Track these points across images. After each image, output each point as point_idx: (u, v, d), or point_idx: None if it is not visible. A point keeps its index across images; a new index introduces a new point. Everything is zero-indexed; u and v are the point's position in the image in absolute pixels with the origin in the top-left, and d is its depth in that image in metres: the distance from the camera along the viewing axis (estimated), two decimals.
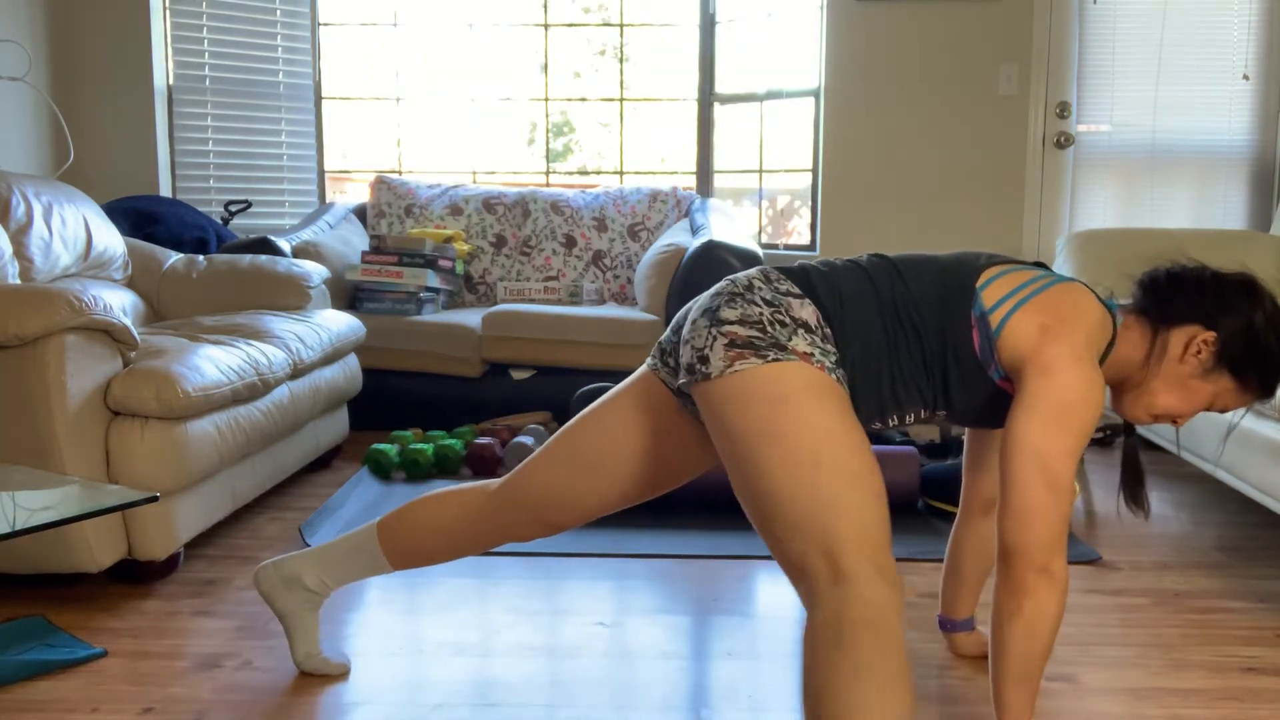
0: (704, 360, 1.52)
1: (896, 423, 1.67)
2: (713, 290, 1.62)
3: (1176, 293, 1.65)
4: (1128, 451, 1.77)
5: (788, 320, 1.52)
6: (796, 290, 1.57)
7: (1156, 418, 1.69)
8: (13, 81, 4.17)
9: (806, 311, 1.55)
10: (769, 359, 1.48)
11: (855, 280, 1.61)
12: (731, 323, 1.52)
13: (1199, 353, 1.62)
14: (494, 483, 1.84)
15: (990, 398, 1.62)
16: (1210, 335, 1.61)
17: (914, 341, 1.59)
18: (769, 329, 1.51)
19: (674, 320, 1.76)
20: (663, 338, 1.75)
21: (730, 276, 1.63)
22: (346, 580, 1.88)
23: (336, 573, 1.87)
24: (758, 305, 1.53)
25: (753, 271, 1.62)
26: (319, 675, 1.90)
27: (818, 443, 1.42)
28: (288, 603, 1.88)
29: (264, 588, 1.89)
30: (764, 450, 1.44)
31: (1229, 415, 2.52)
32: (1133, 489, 1.76)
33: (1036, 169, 4.35)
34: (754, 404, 1.47)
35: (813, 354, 1.50)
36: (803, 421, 1.44)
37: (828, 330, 1.55)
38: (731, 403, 1.49)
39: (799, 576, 1.42)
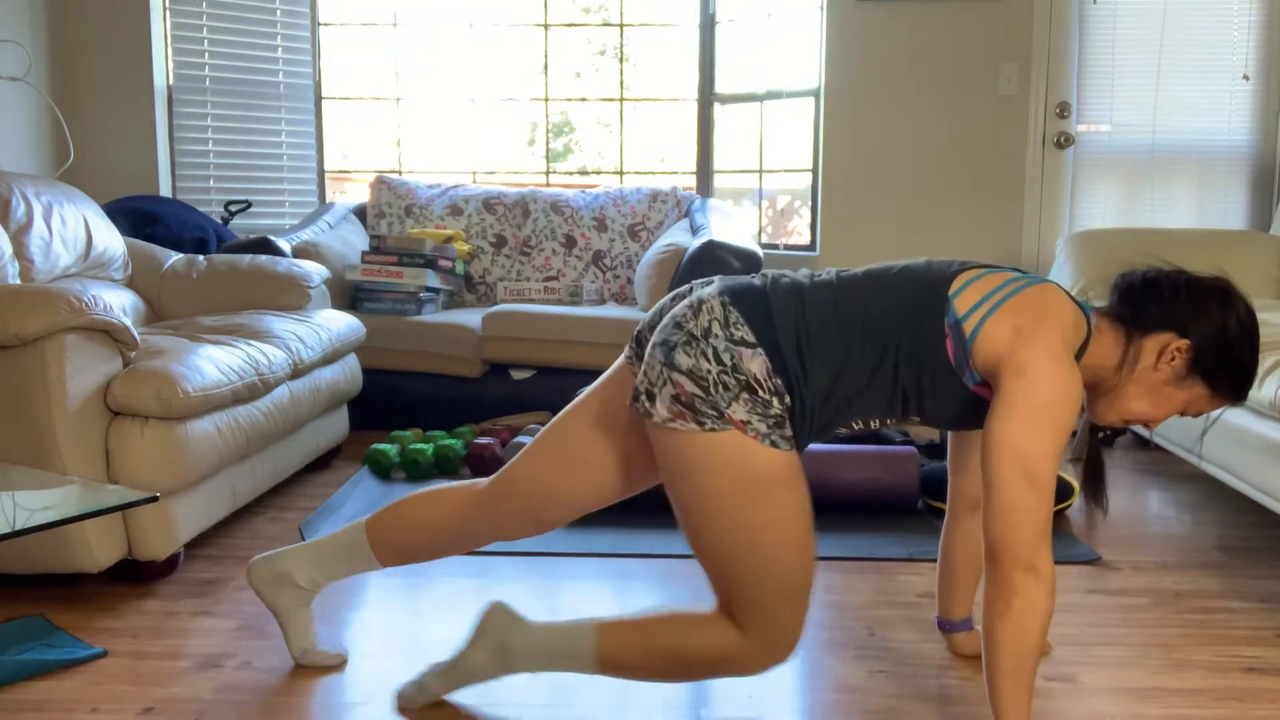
0: (650, 398, 1.61)
1: (860, 427, 1.70)
2: (675, 316, 1.65)
3: (1151, 299, 1.66)
4: (1092, 450, 1.78)
5: (732, 382, 1.57)
6: (750, 339, 1.59)
7: (1128, 422, 1.70)
8: (13, 81, 4.17)
9: (755, 365, 1.58)
10: (705, 427, 1.57)
11: (820, 307, 1.63)
12: (682, 372, 1.59)
13: (1173, 360, 1.63)
14: (483, 481, 1.86)
15: (964, 403, 1.64)
16: (1184, 343, 1.62)
17: (886, 358, 1.61)
18: (712, 391, 1.57)
19: (650, 312, 1.78)
20: (639, 327, 1.78)
21: (694, 301, 1.65)
22: (337, 577, 1.89)
23: (326, 570, 1.88)
24: (709, 360, 1.58)
25: (715, 305, 1.62)
26: (317, 668, 1.91)
27: (739, 526, 1.59)
28: (280, 600, 1.90)
29: (256, 583, 1.90)
30: (697, 523, 1.63)
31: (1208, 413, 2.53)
32: (1094, 486, 1.78)
33: (1036, 169, 4.35)
34: (683, 473, 1.62)
35: (749, 422, 1.58)
36: (725, 506, 1.59)
37: (776, 382, 1.58)
38: (670, 462, 1.63)
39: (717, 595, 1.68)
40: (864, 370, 1.60)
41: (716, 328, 1.60)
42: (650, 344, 1.66)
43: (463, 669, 1.73)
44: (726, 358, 1.58)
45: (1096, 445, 1.78)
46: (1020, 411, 1.51)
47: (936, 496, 2.90)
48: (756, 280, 1.68)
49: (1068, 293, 1.66)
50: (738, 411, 1.57)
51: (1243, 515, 2.90)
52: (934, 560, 2.50)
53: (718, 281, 1.70)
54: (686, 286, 1.76)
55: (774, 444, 1.59)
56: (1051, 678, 1.89)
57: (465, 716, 1.74)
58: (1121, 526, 2.79)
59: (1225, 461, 2.58)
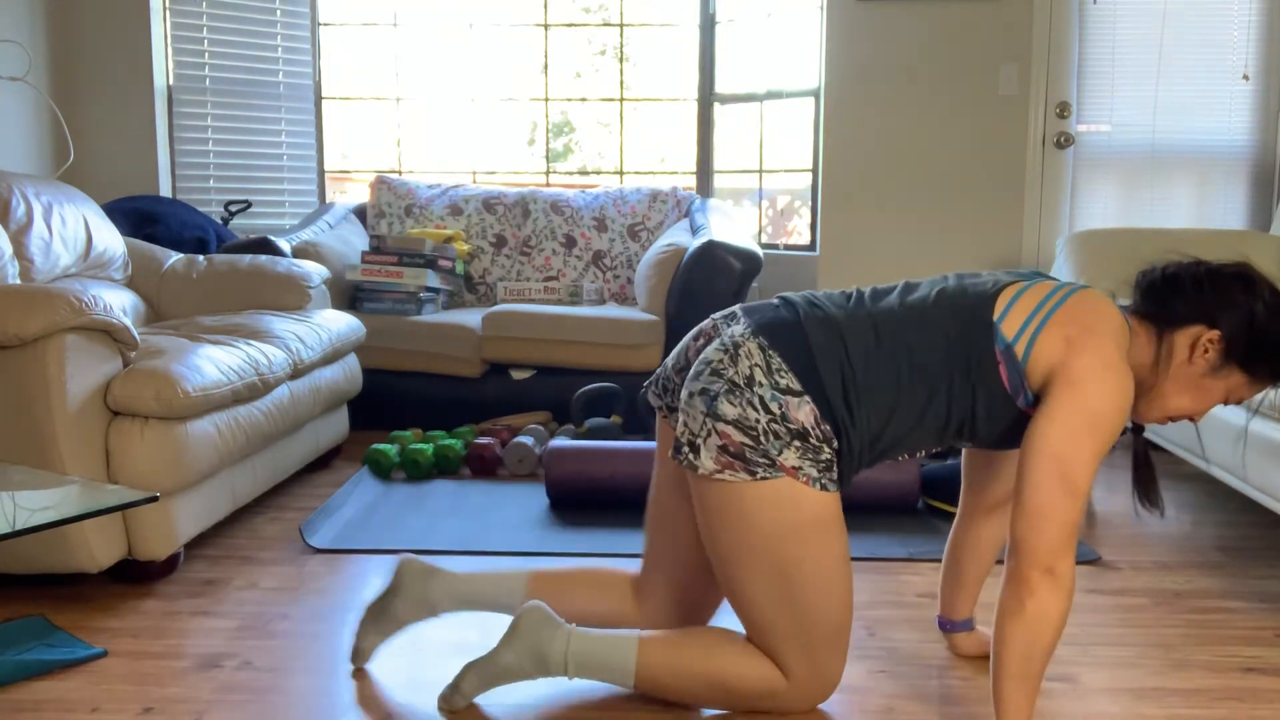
0: (694, 449, 1.60)
1: (908, 457, 1.69)
2: (711, 363, 1.63)
3: (1175, 294, 1.64)
4: (1138, 450, 1.76)
5: (782, 431, 1.57)
6: (796, 386, 1.58)
7: (1172, 418, 1.69)
8: (13, 81, 4.17)
9: (803, 413, 1.57)
10: (757, 476, 1.57)
11: (863, 347, 1.61)
12: (728, 421, 1.58)
13: (1206, 352, 1.61)
14: (635, 581, 1.87)
15: (1014, 424, 1.63)
16: (1215, 334, 1.60)
17: (937, 392, 1.60)
18: (761, 440, 1.57)
19: (673, 354, 1.78)
20: (660, 372, 1.79)
21: (728, 344, 1.63)
22: (471, 609, 1.88)
23: (466, 606, 1.86)
24: (756, 410, 1.57)
25: (754, 349, 1.61)
26: (355, 664, 1.90)
27: (787, 571, 1.60)
28: (408, 615, 1.86)
29: (406, 593, 1.86)
30: (741, 571, 1.63)
31: (1240, 421, 2.52)
32: (1146, 487, 1.76)
33: (1036, 169, 4.35)
34: (731, 522, 1.61)
35: (800, 467, 1.57)
36: (773, 551, 1.60)
37: (825, 428, 1.58)
38: (714, 509, 1.63)
39: (762, 645, 1.69)
40: (914, 410, 1.60)
41: (760, 375, 1.59)
42: (686, 392, 1.64)
43: (494, 670, 1.71)
44: (775, 407, 1.57)
45: (1143, 446, 1.76)
46: (1068, 418, 1.50)
47: (936, 496, 2.90)
48: (786, 313, 1.65)
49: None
50: (789, 458, 1.57)
51: (1243, 515, 2.90)
52: (934, 560, 2.50)
53: (743, 318, 1.67)
54: (709, 322, 1.74)
55: (824, 487, 1.59)
56: (1051, 678, 1.89)
57: (464, 717, 1.74)
58: (1121, 526, 2.79)
59: (1225, 461, 2.58)
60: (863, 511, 2.89)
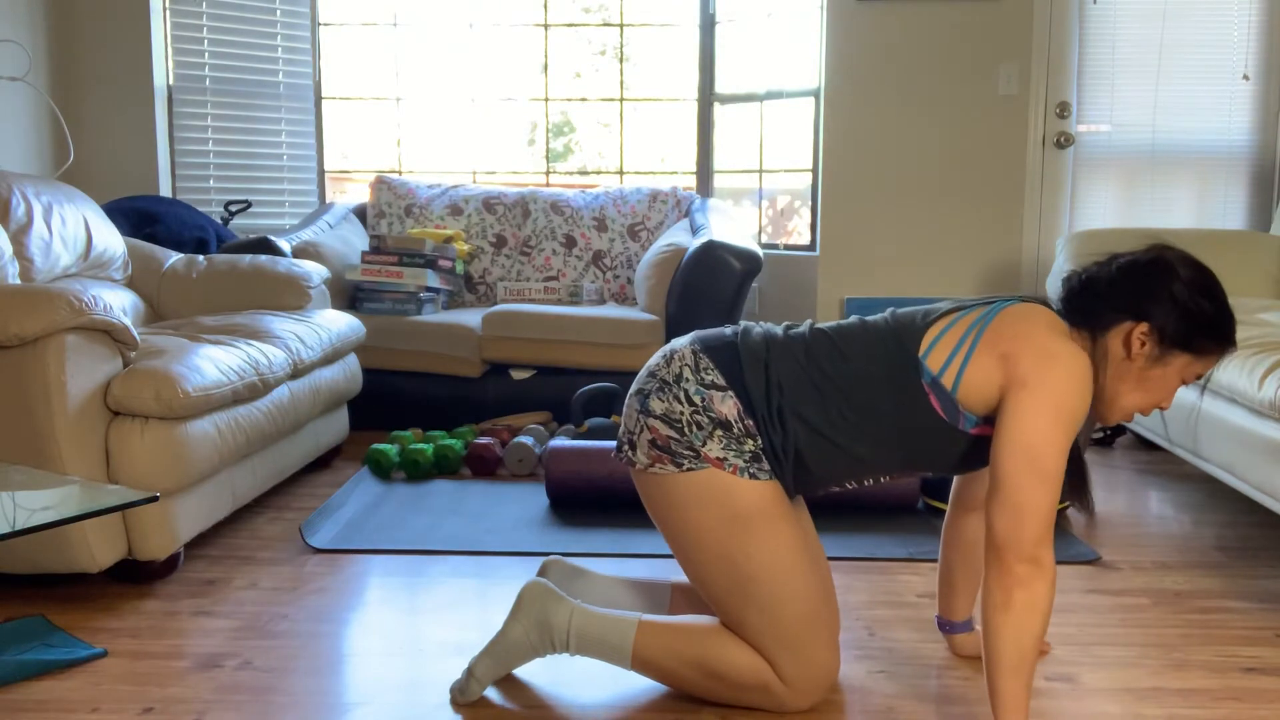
0: (632, 446, 1.70)
1: (872, 483, 1.74)
2: (650, 366, 1.74)
3: (1093, 299, 1.65)
4: (1071, 453, 1.77)
5: (705, 421, 1.64)
6: (721, 382, 1.66)
7: (1137, 413, 1.70)
8: (13, 81, 4.17)
9: (727, 406, 1.64)
10: (683, 467, 1.64)
11: (791, 358, 1.67)
12: (656, 416, 1.66)
13: (1142, 345, 1.61)
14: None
15: (966, 447, 1.66)
16: (1143, 326, 1.61)
17: (867, 418, 1.64)
18: (686, 431, 1.64)
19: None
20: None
21: (667, 351, 1.73)
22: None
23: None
24: (681, 403, 1.66)
25: (687, 353, 1.70)
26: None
27: (738, 563, 1.65)
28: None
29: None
30: (696, 569, 1.69)
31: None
32: (1076, 489, 1.76)
33: (1036, 169, 4.35)
34: (669, 514, 1.68)
35: (725, 459, 1.63)
36: (719, 544, 1.65)
37: (748, 422, 1.64)
38: (652, 503, 1.71)
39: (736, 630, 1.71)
40: (848, 434, 1.64)
41: (688, 373, 1.67)
42: (629, 395, 1.73)
43: (503, 646, 1.75)
44: (698, 399, 1.64)
45: (1076, 448, 1.77)
46: (1030, 412, 1.53)
47: (936, 496, 2.90)
48: (729, 331, 1.74)
49: (1043, 302, 1.68)
50: (713, 449, 1.63)
51: (1243, 515, 2.90)
52: (934, 560, 2.50)
53: (692, 334, 1.77)
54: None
55: (753, 476, 1.63)
56: (1051, 678, 1.89)
57: (464, 717, 1.74)
58: (1121, 526, 2.79)
59: (1225, 461, 2.58)
60: (863, 511, 2.89)
